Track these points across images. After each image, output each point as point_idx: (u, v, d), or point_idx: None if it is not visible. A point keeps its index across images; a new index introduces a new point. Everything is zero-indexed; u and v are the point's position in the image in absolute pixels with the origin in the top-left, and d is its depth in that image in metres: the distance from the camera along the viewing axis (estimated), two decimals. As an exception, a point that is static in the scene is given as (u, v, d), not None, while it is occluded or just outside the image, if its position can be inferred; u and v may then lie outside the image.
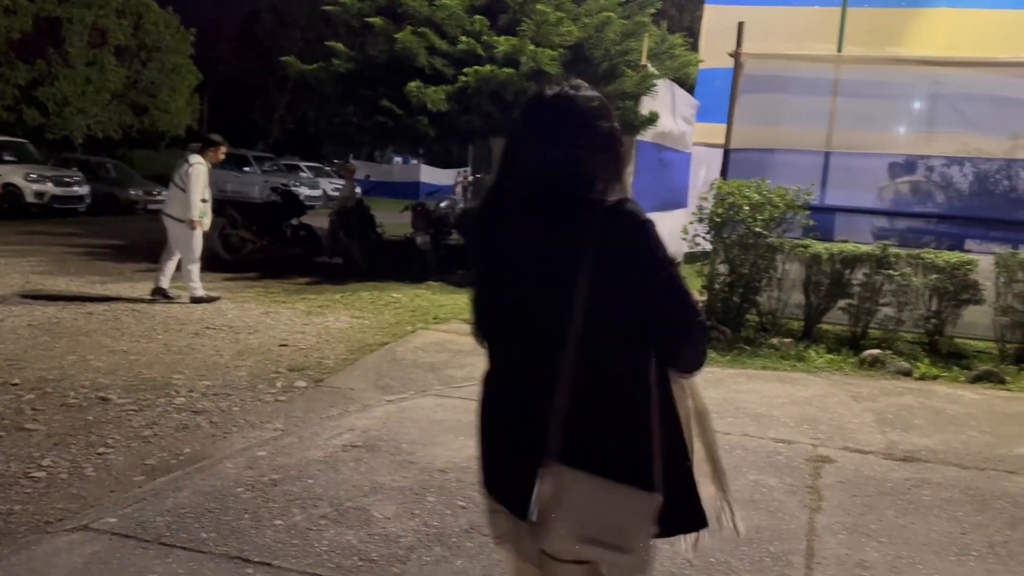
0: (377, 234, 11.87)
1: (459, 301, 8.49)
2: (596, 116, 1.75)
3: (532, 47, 8.96)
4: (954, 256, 6.93)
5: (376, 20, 9.47)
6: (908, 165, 8.45)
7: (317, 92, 10.79)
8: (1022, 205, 7.83)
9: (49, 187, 16.68)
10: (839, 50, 9.66)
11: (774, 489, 3.77)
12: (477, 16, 9.32)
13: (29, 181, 16.42)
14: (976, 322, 7.12)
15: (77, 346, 6.03)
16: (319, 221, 12.58)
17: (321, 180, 27.00)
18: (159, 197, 20.19)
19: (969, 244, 7.85)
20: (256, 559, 2.87)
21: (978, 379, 6.23)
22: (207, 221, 8.17)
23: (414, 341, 6.69)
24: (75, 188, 17.37)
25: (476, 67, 8.90)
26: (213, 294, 8.29)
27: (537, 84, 9.06)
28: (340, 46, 9.94)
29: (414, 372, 5.71)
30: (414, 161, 34.04)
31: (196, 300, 8.05)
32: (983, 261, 7.01)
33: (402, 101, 9.30)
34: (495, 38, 9.13)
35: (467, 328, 6.78)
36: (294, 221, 11.81)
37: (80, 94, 21.20)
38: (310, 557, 2.92)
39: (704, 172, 12.38)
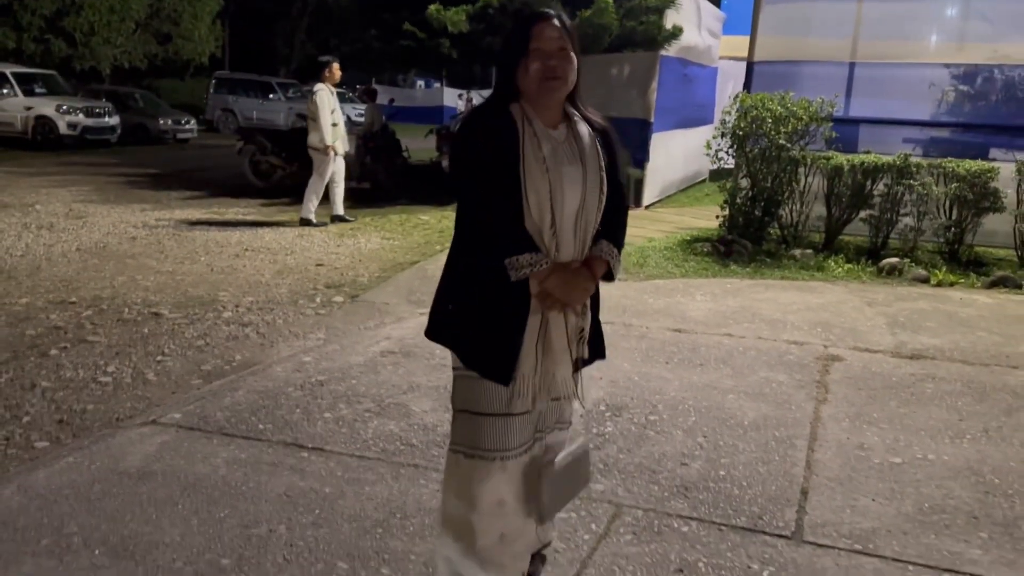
0: (403, 158, 12.02)
1: (485, 221, 8.69)
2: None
3: (554, -38, 8.91)
4: (975, 164, 6.98)
5: (395, -60, 9.45)
6: (934, 74, 8.36)
7: (338, 17, 10.82)
8: (1048, 112, 7.78)
9: (81, 118, 16.94)
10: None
11: (783, 384, 4.02)
12: (497, -68, 9.25)
13: (61, 113, 16.69)
14: (996, 230, 7.21)
15: (125, 268, 6.37)
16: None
17: (344, 105, 26.98)
18: (188, 127, 20.45)
19: (994, 153, 7.85)
20: (310, 445, 3.20)
21: (994, 284, 6.38)
22: (340, 145, 8.41)
23: (442, 259, 6.93)
24: (106, 119, 17.62)
25: (497, -15, 8.89)
26: (347, 216, 8.68)
27: (557, 1, 9.07)
28: (362, -31, 9.95)
29: (444, 287, 5.97)
30: (437, 84, 33.83)
31: (304, 222, 8.36)
32: (1005, 169, 7.05)
33: (424, 24, 9.32)
34: (516, -46, 9.08)
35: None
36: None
37: (105, 24, 21.23)
38: (357, 443, 3.24)
39: (731, 87, 12.28)
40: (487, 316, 1.98)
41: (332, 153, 8.20)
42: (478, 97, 16.47)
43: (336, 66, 8.41)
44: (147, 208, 9.44)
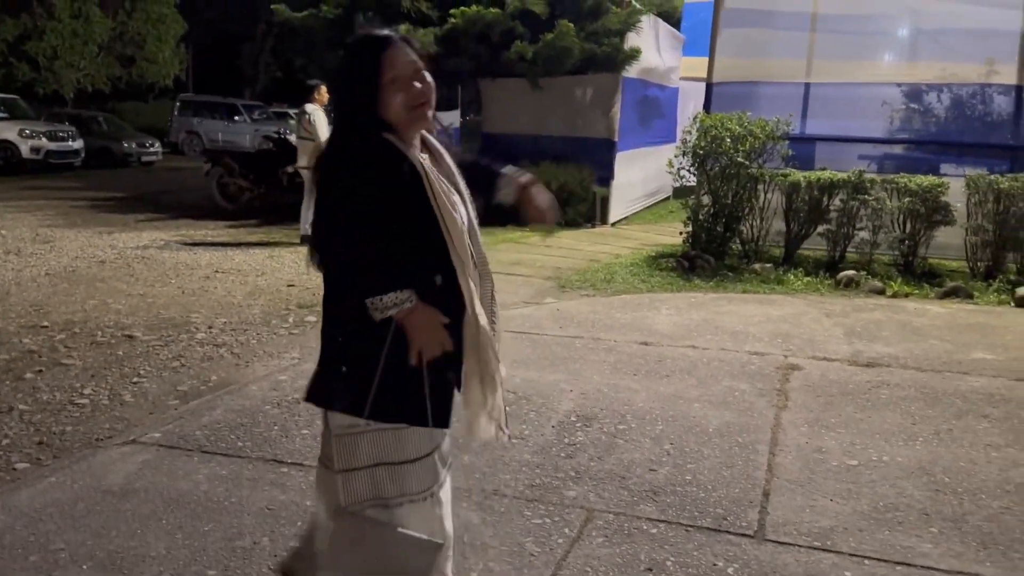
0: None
1: (455, 240, 8.81)
2: None
3: (518, -14, 9.14)
4: (926, 180, 7.28)
5: (363, -35, 9.60)
6: (886, 93, 8.70)
7: (304, 38, 10.91)
8: (994, 129, 8.14)
9: (44, 142, 16.79)
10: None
11: (746, 392, 4.18)
12: (462, -43, 9.46)
13: (24, 137, 16.53)
14: (949, 243, 7.51)
15: (96, 291, 6.37)
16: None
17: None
18: (152, 150, 20.31)
19: (944, 168, 8.19)
20: (289, 460, 3.28)
21: (947, 295, 6.64)
22: None
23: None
24: (70, 143, 17.47)
25: (463, 8, 9.05)
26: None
27: (522, 24, 9.29)
28: (329, -9, 10.07)
29: (416, 305, 6.07)
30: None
31: (304, 239, 8.44)
32: (955, 184, 7.36)
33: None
34: (482, -22, 9.29)
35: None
36: (289, 168, 12.03)
37: (68, 47, 21.08)
38: (335, 458, 3.33)
39: (692, 106, 12.61)
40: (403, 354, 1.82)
41: None
42: (448, 118, 16.64)
43: (324, 88, 8.67)
44: (114, 231, 9.41)
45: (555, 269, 7.50)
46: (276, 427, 3.63)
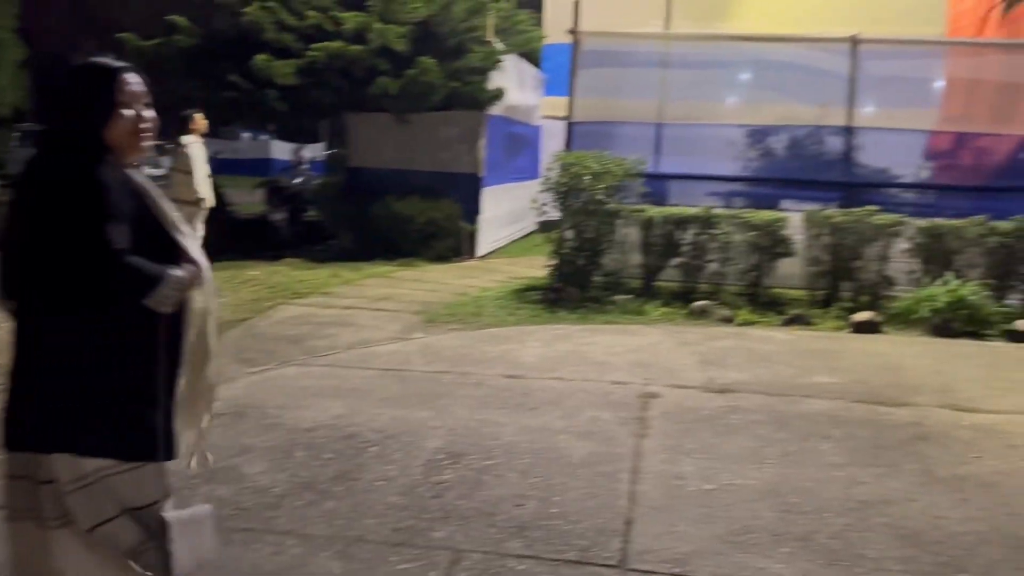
0: (229, 213, 11.67)
1: (319, 276, 8.61)
2: None
3: (380, 24, 9.11)
4: (768, 215, 7.78)
5: (221, -7, 9.33)
6: (732, 134, 9.25)
7: (156, 66, 10.44)
8: (827, 167, 8.81)
9: None
10: (668, 26, 10.37)
11: (608, 422, 4.28)
12: (325, -8, 9.37)
13: None
14: (790, 273, 8.02)
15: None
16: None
17: (163, 159, 25.75)
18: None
19: (785, 203, 8.77)
20: (132, 517, 3.05)
21: (789, 322, 7.09)
22: (211, 198, 8.34)
23: (275, 316, 6.80)
24: None
25: (326, 43, 8.95)
26: None
27: (386, 60, 9.29)
28: (182, 20, 9.68)
29: (276, 345, 5.86)
30: (264, 137, 33.02)
31: None
32: (794, 218, 7.91)
33: (250, 76, 9.21)
34: (343, 14, 9.20)
35: (329, 301, 6.96)
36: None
37: None
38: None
39: (554, 144, 12.98)
40: (134, 386, 1.86)
41: (204, 206, 8.18)
42: (309, 150, 16.34)
43: (199, 116, 8.36)
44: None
45: (423, 304, 7.45)
46: (119, 481, 3.37)
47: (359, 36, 9.20)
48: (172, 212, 1.97)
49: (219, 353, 2.07)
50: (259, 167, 27.24)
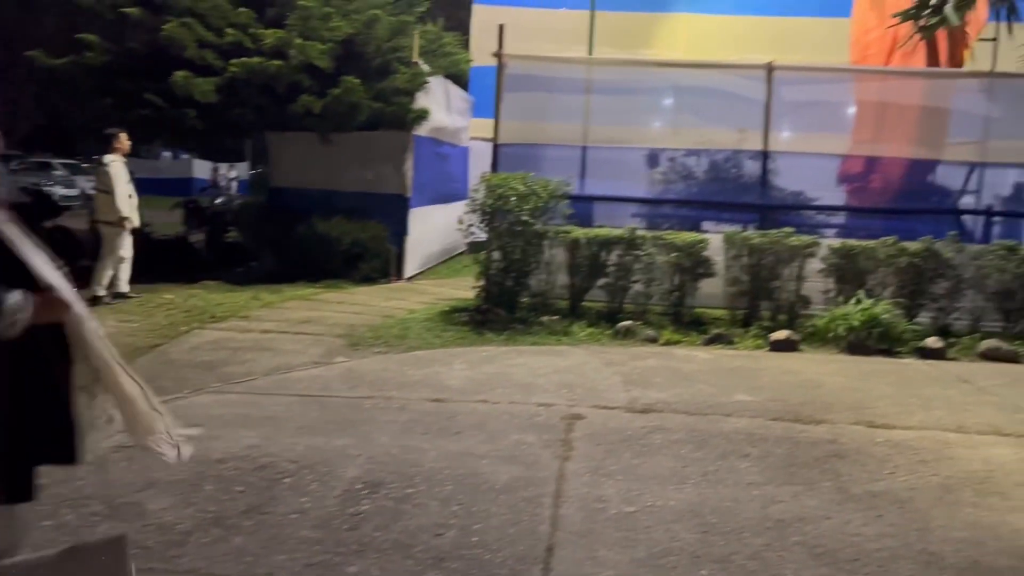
0: (145, 233, 11.26)
1: (238, 299, 8.36)
2: None
3: (300, 40, 8.97)
4: (690, 236, 7.92)
5: (133, 11, 8.98)
6: (654, 157, 9.43)
7: (68, 84, 10.04)
8: (745, 189, 9.04)
9: None
10: (591, 52, 10.55)
11: (532, 445, 4.24)
12: (243, 8, 9.15)
13: None
14: (712, 293, 8.17)
15: None
16: (79, 223, 11.69)
17: (78, 178, 24.76)
18: None
19: (706, 225, 8.97)
20: (21, 561, 2.84)
21: (710, 342, 7.21)
22: (136, 217, 8.28)
23: (189, 341, 6.55)
24: None
25: (244, 59, 8.75)
26: (131, 293, 8.29)
27: (309, 78, 9.14)
28: (94, 38, 9.33)
29: (190, 372, 5.64)
30: (186, 156, 32.15)
31: (96, 300, 7.88)
32: (715, 239, 8.07)
33: (167, 93, 8.93)
34: (262, 31, 9.02)
35: (246, 325, 6.75)
36: (48, 224, 10.90)
37: None
38: (81, 552, 2.93)
39: (482, 165, 13.00)
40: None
41: (127, 226, 8.12)
42: (230, 169, 15.98)
43: (124, 136, 8.27)
44: None
45: (347, 326, 7.29)
46: (10, 522, 3.15)
47: (280, 53, 9.03)
48: (23, 237, 1.88)
49: (121, 361, 2.03)
50: (180, 187, 26.52)
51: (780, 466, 4.07)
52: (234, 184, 14.89)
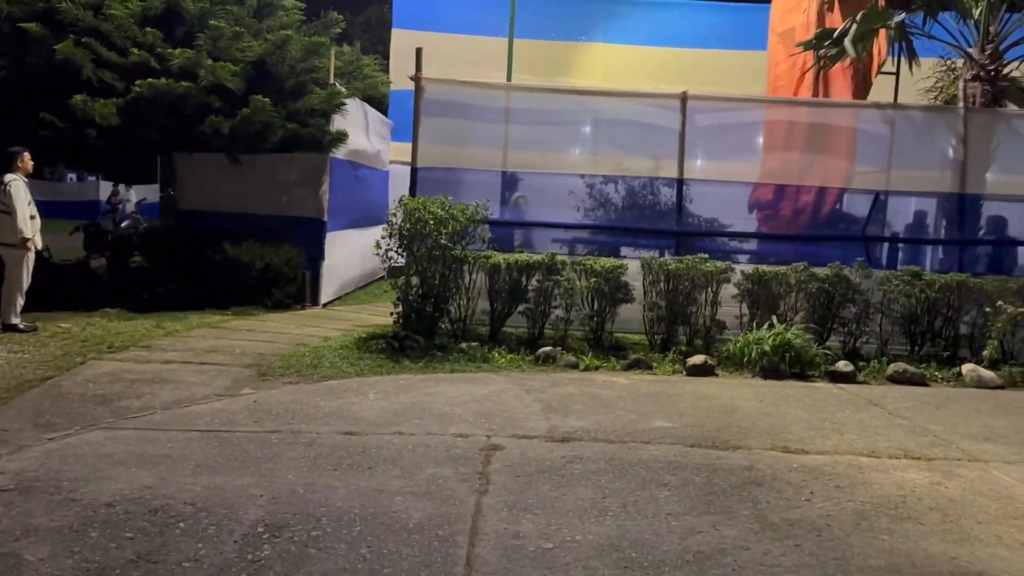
0: (43, 259, 10.62)
1: (140, 327, 7.92)
2: None
3: (210, 61, 8.65)
4: (608, 261, 7.94)
5: (31, 26, 8.47)
6: (573, 183, 9.45)
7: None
8: (661, 216, 9.16)
9: None
10: (509, 78, 10.57)
11: (449, 479, 4.08)
12: (149, 28, 8.77)
13: None
14: (631, 318, 8.21)
15: None
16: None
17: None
18: None
19: (624, 251, 9.03)
20: None
21: (630, 367, 7.21)
22: (39, 240, 7.94)
23: (84, 373, 6.14)
24: None
25: (150, 80, 8.37)
26: (31, 324, 7.80)
27: (218, 98, 8.81)
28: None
29: (82, 406, 5.26)
30: (92, 178, 30.79)
31: (8, 328, 7.57)
32: (633, 265, 8.12)
33: (68, 114, 8.45)
34: (170, 51, 8.66)
35: (147, 355, 6.38)
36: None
37: None
38: (-62, 616, 2.62)
39: (402, 189, 12.84)
40: None
41: (31, 247, 7.76)
42: (127, 191, 15.33)
43: (27, 156, 7.94)
44: None
45: (257, 356, 6.98)
46: None
47: (189, 73, 8.69)
48: None
49: None
50: (85, 210, 25.35)
51: (699, 495, 4.02)
52: (129, 206, 14.20)
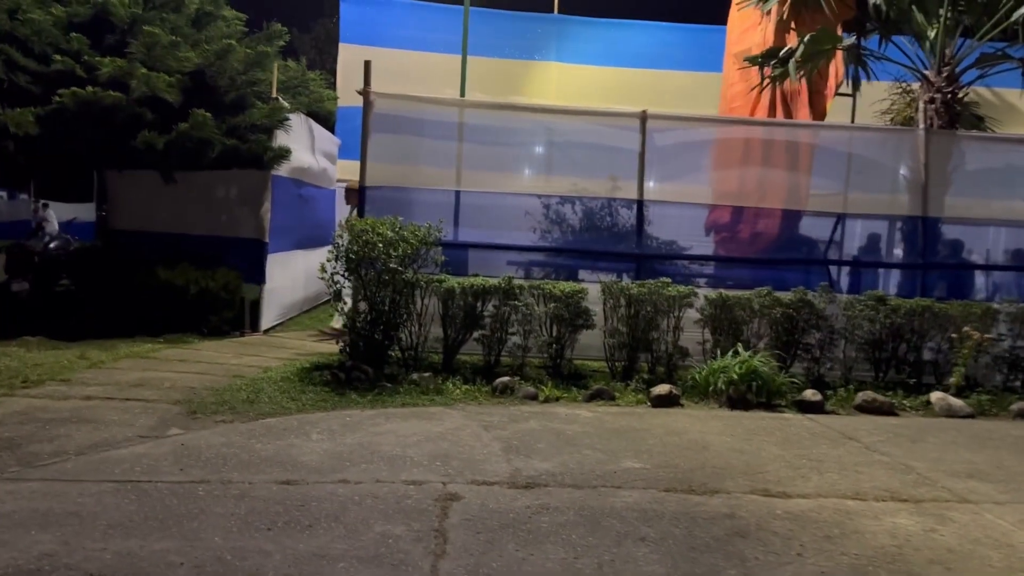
0: (-44, 282, 9.83)
1: (62, 358, 7.26)
2: None
3: (144, 71, 8.07)
4: (568, 285, 7.57)
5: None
6: (530, 204, 9.08)
7: None
8: (621, 238, 8.84)
9: None
10: (463, 95, 10.19)
11: (400, 539, 3.60)
12: (75, 34, 8.15)
13: None
14: (591, 344, 7.84)
15: None
16: None
17: None
18: None
19: (583, 274, 8.67)
20: None
21: (592, 398, 6.82)
22: None
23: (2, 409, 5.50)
24: None
25: (74, 88, 7.75)
26: None
27: (152, 111, 8.23)
28: None
29: (-17, 452, 4.64)
30: (24, 196, 29.40)
31: None
32: (593, 289, 7.76)
33: (-20, 123, 7.79)
34: (98, 59, 8.06)
35: (66, 391, 5.73)
36: None
37: None
38: None
39: (350, 209, 12.35)
40: None
41: None
42: (44, 208, 14.50)
43: None
44: None
45: (187, 390, 6.40)
46: None
47: (120, 83, 8.09)
48: None
49: None
50: (16, 231, 24.09)
51: (681, 551, 3.62)
52: (49, 226, 13.33)
